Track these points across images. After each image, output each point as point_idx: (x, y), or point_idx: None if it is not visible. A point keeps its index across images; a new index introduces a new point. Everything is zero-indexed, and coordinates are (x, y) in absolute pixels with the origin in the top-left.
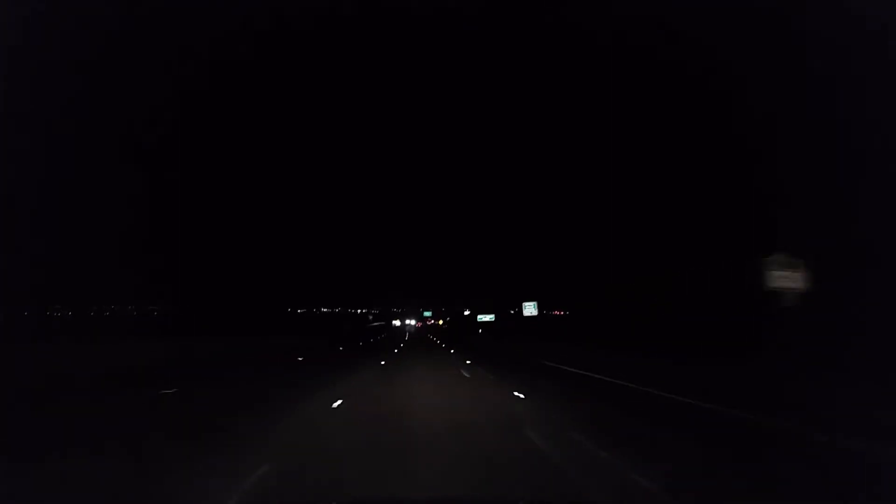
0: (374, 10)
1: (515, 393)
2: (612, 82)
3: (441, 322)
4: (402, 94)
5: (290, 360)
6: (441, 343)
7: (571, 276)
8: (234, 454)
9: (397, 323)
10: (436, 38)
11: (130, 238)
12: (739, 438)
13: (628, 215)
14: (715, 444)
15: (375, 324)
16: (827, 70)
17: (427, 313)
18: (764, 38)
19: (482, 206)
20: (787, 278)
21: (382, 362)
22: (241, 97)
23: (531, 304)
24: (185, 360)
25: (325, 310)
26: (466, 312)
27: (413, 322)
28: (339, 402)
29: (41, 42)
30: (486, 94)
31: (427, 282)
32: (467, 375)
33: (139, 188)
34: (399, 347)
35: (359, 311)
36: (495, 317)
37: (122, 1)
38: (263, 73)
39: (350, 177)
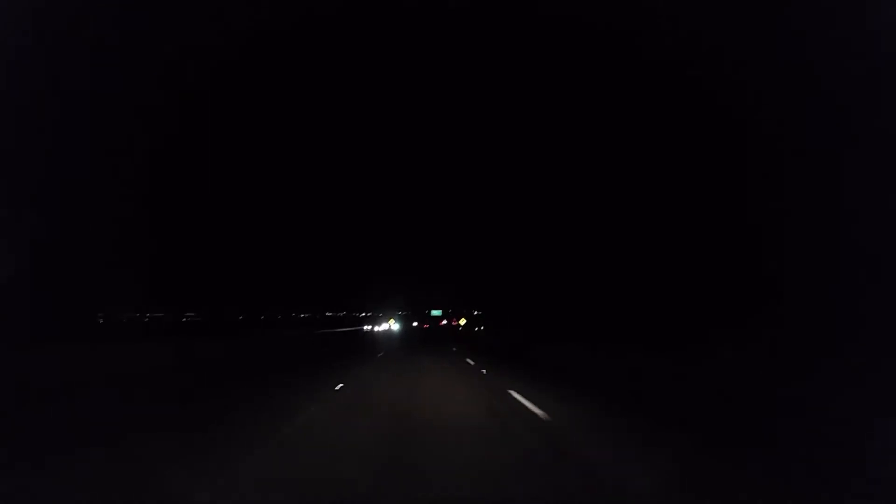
0: (365, 7)
1: None
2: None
3: (464, 322)
4: (391, 94)
5: None
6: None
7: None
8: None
9: (379, 327)
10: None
11: (123, 242)
12: None
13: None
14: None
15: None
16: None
17: (436, 312)
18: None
19: (475, 206)
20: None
21: None
22: (235, 104)
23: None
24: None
25: (329, 314)
26: (476, 313)
27: (394, 325)
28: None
29: (36, 44)
30: (475, 93)
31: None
32: None
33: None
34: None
35: (361, 314)
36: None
37: (120, 2)
38: (248, 79)
39: (339, 175)
